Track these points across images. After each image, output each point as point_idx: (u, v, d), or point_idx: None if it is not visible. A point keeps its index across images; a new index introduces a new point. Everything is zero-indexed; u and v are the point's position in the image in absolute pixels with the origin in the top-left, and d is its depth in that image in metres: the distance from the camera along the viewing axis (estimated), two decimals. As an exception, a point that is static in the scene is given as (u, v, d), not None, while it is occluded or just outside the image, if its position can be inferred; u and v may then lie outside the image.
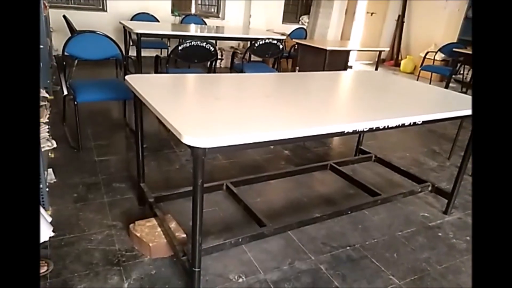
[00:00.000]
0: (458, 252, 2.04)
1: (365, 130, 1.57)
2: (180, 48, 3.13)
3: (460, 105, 1.99)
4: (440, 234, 2.20)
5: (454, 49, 5.48)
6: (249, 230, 1.87)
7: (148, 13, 5.40)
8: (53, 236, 1.82)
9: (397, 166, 2.76)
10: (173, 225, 1.79)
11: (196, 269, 1.42)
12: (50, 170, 2.36)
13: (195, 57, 3.24)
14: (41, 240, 1.76)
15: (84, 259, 1.71)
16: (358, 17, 8.17)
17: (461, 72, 5.93)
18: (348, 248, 1.99)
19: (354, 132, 1.55)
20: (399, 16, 8.50)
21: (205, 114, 1.43)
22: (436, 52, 5.89)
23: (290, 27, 6.87)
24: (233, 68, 4.17)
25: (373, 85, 2.35)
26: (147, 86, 1.70)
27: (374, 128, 1.59)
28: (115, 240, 1.86)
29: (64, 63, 2.76)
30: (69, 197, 2.18)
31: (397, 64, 8.46)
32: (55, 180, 2.32)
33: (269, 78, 2.31)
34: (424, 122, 1.77)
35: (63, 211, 2.04)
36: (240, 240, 1.72)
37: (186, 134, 1.18)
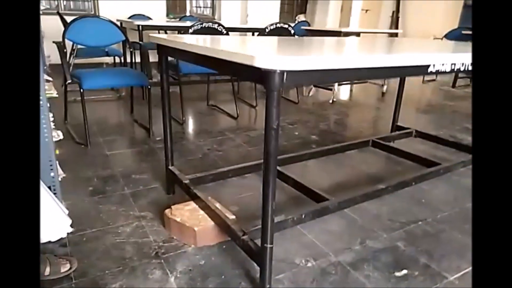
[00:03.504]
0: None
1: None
2: (190, 31, 2.86)
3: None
4: None
5: (463, 32, 5.34)
6: (304, 209, 1.57)
7: (143, 15, 5.15)
8: (71, 232, 1.49)
9: (444, 138, 2.50)
10: (218, 206, 1.48)
11: (269, 245, 1.11)
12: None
13: (206, 41, 2.97)
14: (58, 237, 1.44)
15: (114, 254, 1.38)
16: (354, 14, 8.06)
17: (469, 57, 5.76)
18: (420, 223, 1.70)
19: (441, 72, 1.28)
20: (393, 12, 8.45)
21: (268, 48, 1.15)
22: (442, 39, 5.75)
23: (287, 26, 6.69)
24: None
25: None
26: (184, 41, 1.42)
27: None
28: (147, 231, 1.53)
29: (65, 50, 2.46)
30: (84, 191, 1.85)
31: (396, 60, 8.33)
32: (64, 175, 1.99)
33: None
34: None
35: (79, 205, 1.71)
36: (303, 216, 1.42)
37: (258, 57, 0.90)
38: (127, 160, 2.25)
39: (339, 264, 1.38)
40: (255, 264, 1.34)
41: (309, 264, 1.37)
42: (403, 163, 2.31)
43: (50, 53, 4.72)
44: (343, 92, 4.68)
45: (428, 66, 1.25)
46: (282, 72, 0.91)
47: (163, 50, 1.50)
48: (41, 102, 1.49)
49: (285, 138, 2.80)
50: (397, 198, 1.91)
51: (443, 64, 1.30)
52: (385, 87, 4.51)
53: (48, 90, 1.59)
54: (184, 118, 3.10)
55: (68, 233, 1.48)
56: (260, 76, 0.93)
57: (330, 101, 4.01)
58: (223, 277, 1.29)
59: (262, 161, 1.98)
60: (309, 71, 0.95)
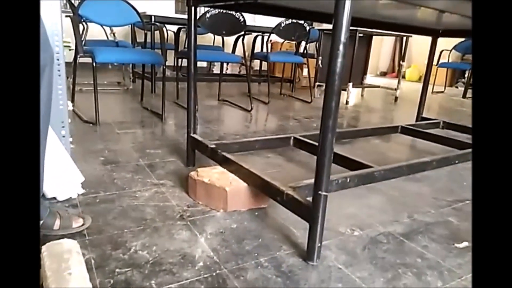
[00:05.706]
0: None
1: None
2: (207, 15, 2.76)
3: None
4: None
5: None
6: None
7: (153, 15, 5.09)
8: (82, 194, 1.32)
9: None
10: (252, 170, 1.32)
11: (324, 193, 0.94)
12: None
13: (223, 27, 2.88)
14: (67, 196, 1.27)
15: (133, 215, 1.21)
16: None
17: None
18: (467, 202, 1.53)
19: None
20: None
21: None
22: (451, 50, 5.73)
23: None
24: (255, 57, 3.81)
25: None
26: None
27: None
28: (168, 196, 1.36)
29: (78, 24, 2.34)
30: (95, 160, 1.69)
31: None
32: (72, 146, 1.82)
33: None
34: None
35: (90, 171, 1.54)
36: (348, 180, 1.26)
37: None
38: (140, 138, 2.09)
39: (389, 234, 1.21)
40: (295, 231, 1.18)
41: (356, 233, 1.20)
42: (436, 149, 2.16)
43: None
44: (354, 95, 4.58)
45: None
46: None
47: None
48: (57, 55, 1.36)
49: (304, 128, 2.66)
50: (436, 180, 1.75)
51: None
52: (398, 92, 4.41)
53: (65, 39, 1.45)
54: (197, 107, 2.95)
55: (78, 194, 1.31)
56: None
57: (344, 102, 3.89)
58: (260, 240, 1.11)
59: (290, 135, 1.84)
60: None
